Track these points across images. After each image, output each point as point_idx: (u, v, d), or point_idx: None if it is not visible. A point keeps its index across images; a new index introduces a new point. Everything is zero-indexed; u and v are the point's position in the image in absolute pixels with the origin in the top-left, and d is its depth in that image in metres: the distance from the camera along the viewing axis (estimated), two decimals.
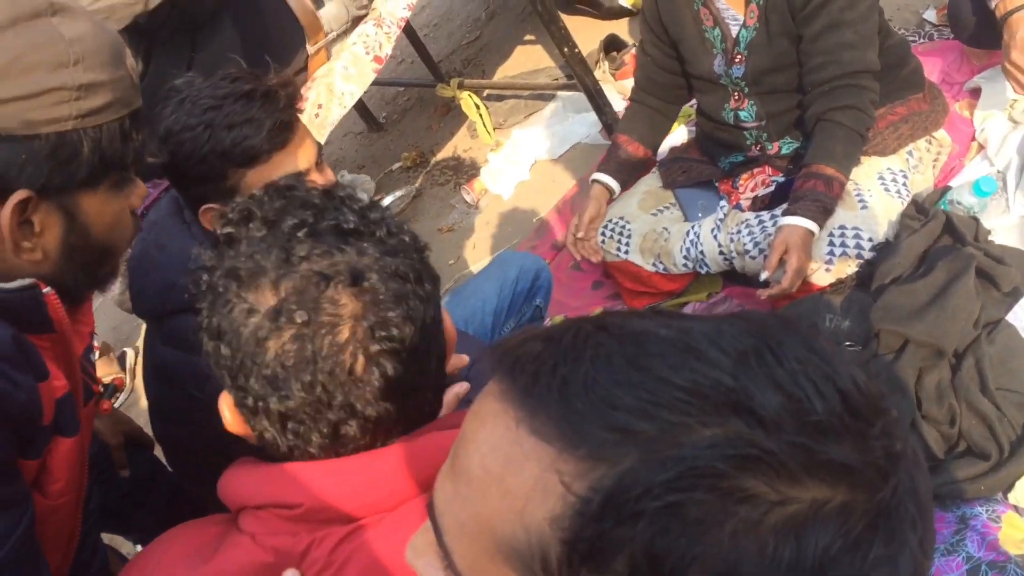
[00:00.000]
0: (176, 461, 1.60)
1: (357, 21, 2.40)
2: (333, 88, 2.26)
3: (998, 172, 1.92)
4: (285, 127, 1.34)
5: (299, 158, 1.37)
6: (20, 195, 0.88)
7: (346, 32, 2.40)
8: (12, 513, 0.92)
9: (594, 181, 2.15)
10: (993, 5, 1.73)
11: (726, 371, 0.43)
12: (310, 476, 0.74)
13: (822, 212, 1.73)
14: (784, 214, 1.76)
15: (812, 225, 1.71)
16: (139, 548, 2.06)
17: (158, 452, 1.72)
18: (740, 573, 0.40)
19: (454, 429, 0.76)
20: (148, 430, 1.69)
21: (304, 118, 2.17)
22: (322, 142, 2.26)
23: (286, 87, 1.35)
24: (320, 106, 2.23)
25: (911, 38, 2.42)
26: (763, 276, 1.77)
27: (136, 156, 1.00)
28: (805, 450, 0.41)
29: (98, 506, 1.28)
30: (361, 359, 0.71)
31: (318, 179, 1.39)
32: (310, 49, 2.30)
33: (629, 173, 2.18)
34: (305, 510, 0.73)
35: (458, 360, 0.96)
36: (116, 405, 1.71)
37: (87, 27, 0.93)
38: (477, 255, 2.84)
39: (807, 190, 1.74)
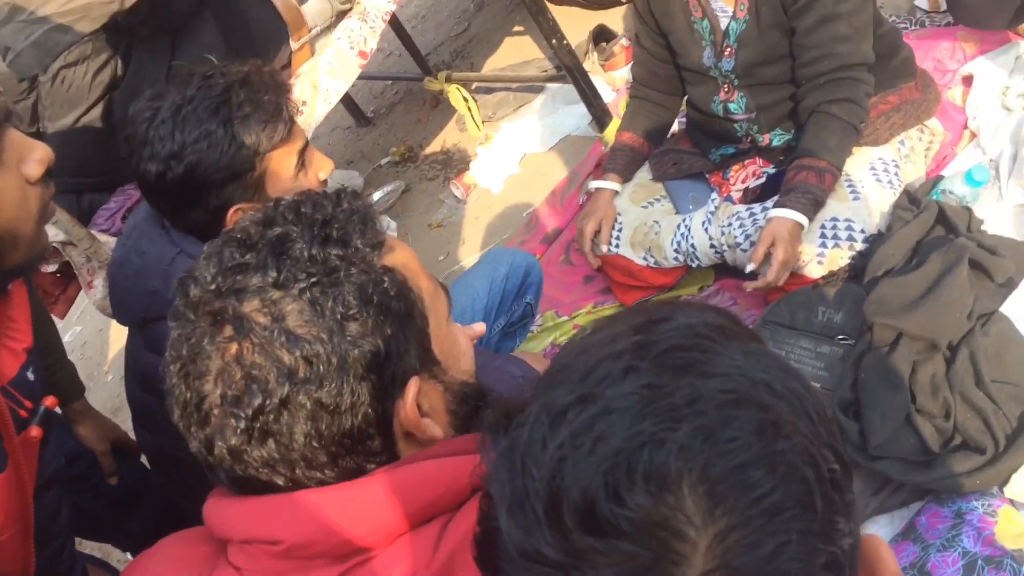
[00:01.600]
0: (161, 471, 1.58)
1: (341, 16, 2.37)
2: (318, 84, 2.23)
3: (991, 161, 1.90)
4: (290, 103, 1.35)
5: (301, 136, 1.38)
6: None
7: (330, 27, 2.37)
8: None
9: (598, 189, 2.13)
10: None
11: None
12: (291, 510, 0.71)
13: (813, 204, 1.71)
14: (774, 206, 1.74)
15: (801, 218, 1.69)
16: (129, 556, 2.05)
17: (145, 460, 1.70)
18: None
19: (447, 457, 0.74)
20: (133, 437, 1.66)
21: None
22: (307, 139, 2.23)
23: (262, 67, 1.35)
24: (304, 103, 2.20)
25: (902, 25, 2.39)
26: (749, 268, 1.75)
27: None
28: None
29: (69, 522, 1.23)
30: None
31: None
32: (293, 45, 2.27)
33: (635, 169, 2.17)
34: (287, 547, 0.70)
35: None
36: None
37: None
38: (467, 251, 2.82)
39: (798, 182, 1.72)
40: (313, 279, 0.71)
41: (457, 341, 0.85)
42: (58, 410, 1.61)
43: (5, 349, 0.99)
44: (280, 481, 0.73)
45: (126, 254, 1.40)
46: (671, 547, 0.40)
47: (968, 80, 2.08)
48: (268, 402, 0.69)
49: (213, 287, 0.72)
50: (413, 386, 0.75)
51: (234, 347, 0.70)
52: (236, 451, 0.71)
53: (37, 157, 0.91)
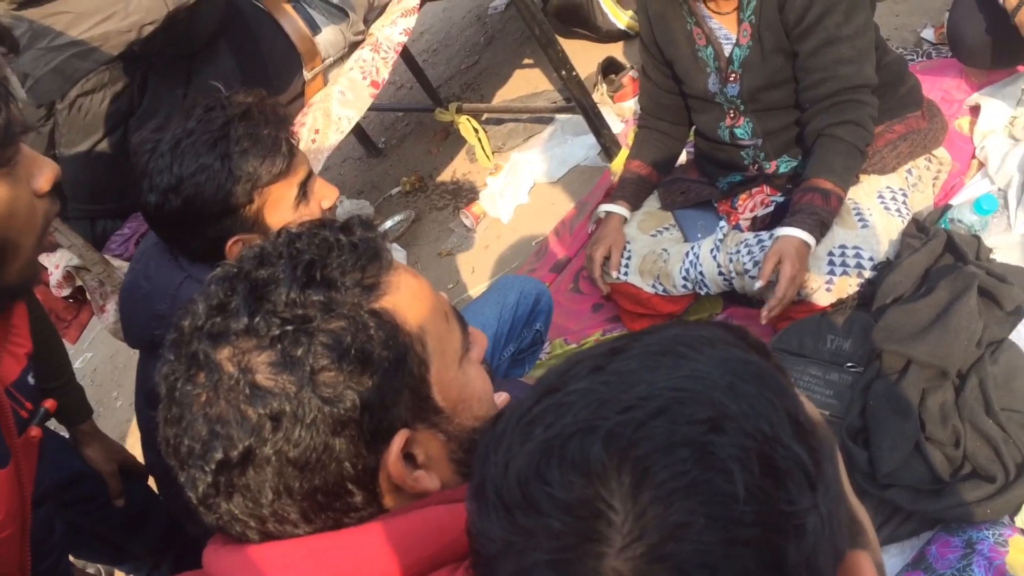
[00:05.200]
0: (168, 493, 1.58)
1: (354, 47, 2.40)
2: (330, 113, 2.25)
3: (999, 190, 1.90)
4: (291, 136, 1.36)
5: (303, 168, 1.38)
6: None
7: (343, 58, 2.40)
8: None
9: (608, 213, 2.14)
10: (1001, 1, 1.71)
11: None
12: (292, 560, 0.69)
13: (818, 225, 1.72)
14: (781, 226, 1.75)
15: (807, 236, 1.70)
16: None
17: (152, 484, 1.71)
18: None
19: (460, 503, 0.69)
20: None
21: (300, 143, 2.18)
22: (319, 167, 2.25)
23: (265, 99, 1.36)
24: (317, 131, 2.22)
25: (909, 57, 2.41)
26: (756, 285, 1.76)
27: (2, 137, 0.88)
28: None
29: (62, 540, 1.24)
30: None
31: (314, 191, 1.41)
32: (307, 75, 2.30)
33: (644, 197, 2.19)
34: None
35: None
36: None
37: None
38: (476, 279, 2.83)
39: (804, 204, 1.73)
40: (287, 328, 0.67)
41: (471, 384, 0.79)
42: (65, 433, 1.63)
43: (8, 354, 1.02)
44: (253, 535, 0.70)
45: (135, 278, 1.42)
46: (593, 526, 0.42)
47: (975, 110, 2.09)
48: (230, 456, 0.67)
49: (199, 324, 0.70)
50: (399, 440, 0.71)
51: (203, 396, 0.68)
52: (205, 502, 0.70)
53: (46, 173, 0.94)
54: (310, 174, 1.40)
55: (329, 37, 2.34)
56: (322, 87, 2.34)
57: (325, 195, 1.43)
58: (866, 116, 1.74)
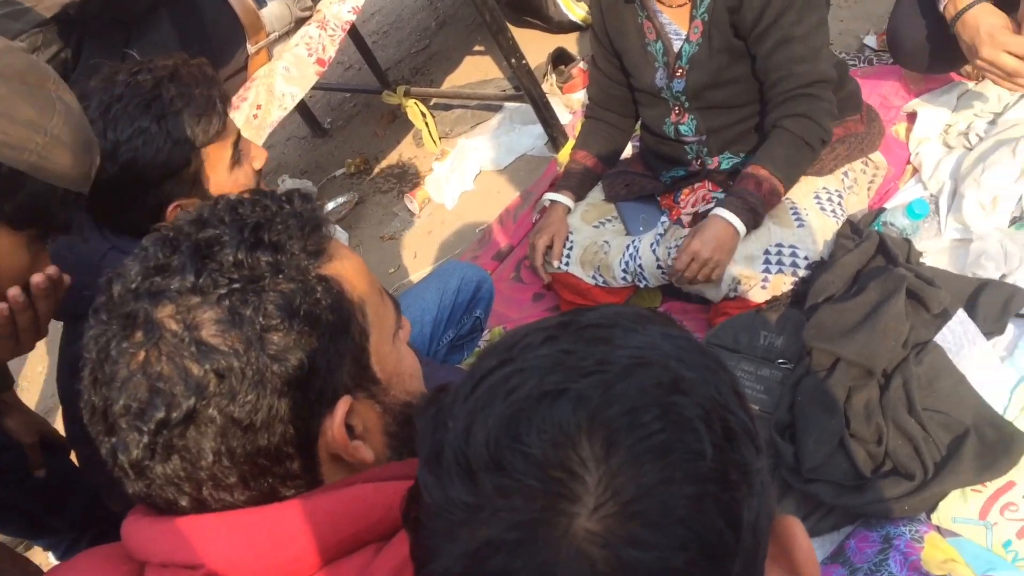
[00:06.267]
0: (89, 465, 1.54)
1: (301, 23, 2.36)
2: (273, 89, 2.21)
3: (931, 196, 1.95)
4: (223, 93, 1.34)
5: (235, 128, 1.37)
6: None
7: (289, 33, 2.35)
8: None
9: (552, 202, 2.14)
10: (942, 7, 1.74)
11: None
12: (213, 532, 0.67)
13: (747, 210, 1.75)
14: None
15: (732, 217, 1.74)
16: (51, 555, 1.99)
17: (74, 458, 1.66)
18: None
19: (388, 481, 0.70)
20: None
21: (241, 118, 2.14)
22: (260, 143, 2.21)
23: (188, 60, 1.33)
24: (259, 107, 2.18)
25: (851, 62, 2.45)
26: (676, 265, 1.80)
27: (57, 225, 1.01)
28: None
29: None
30: None
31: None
32: (251, 49, 2.25)
33: (589, 188, 2.20)
34: (207, 572, 0.66)
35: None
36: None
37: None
38: (418, 264, 2.81)
39: (737, 189, 1.78)
40: (234, 286, 0.67)
41: (404, 360, 0.81)
42: None
43: None
44: (184, 502, 0.69)
45: (57, 250, 1.36)
46: (565, 484, 0.42)
47: (912, 117, 2.14)
48: (172, 416, 0.65)
49: (133, 287, 0.69)
50: (343, 406, 0.71)
51: (141, 354, 0.66)
52: (138, 466, 0.67)
53: (40, 265, 1.06)
54: (239, 134, 1.39)
55: (275, 11, 2.29)
56: (266, 62, 2.30)
57: (256, 156, 1.42)
58: (820, 110, 1.76)
